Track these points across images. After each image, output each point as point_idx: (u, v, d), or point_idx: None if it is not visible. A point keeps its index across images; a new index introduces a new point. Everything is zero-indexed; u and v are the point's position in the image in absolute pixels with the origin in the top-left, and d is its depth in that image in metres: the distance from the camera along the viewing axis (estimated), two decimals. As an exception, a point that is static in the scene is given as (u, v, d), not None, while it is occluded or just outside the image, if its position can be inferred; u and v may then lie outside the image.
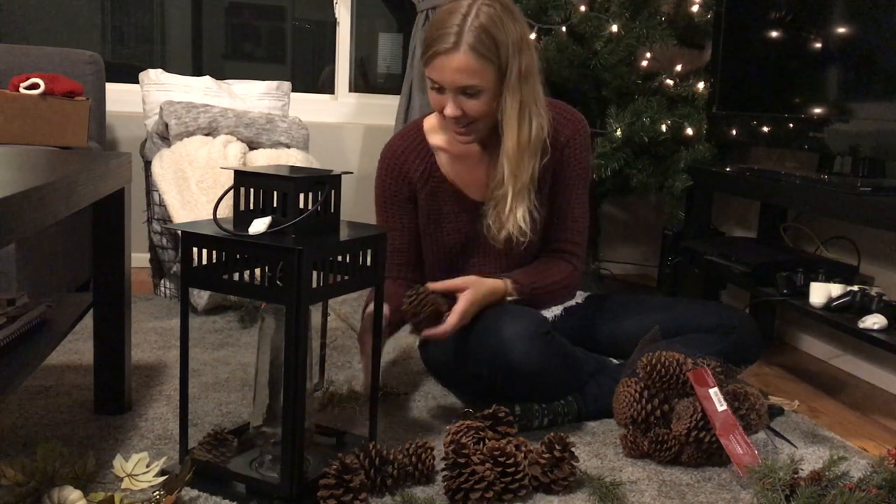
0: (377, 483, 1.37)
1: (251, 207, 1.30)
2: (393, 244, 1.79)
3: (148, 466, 1.35)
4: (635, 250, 3.38)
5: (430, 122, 1.80)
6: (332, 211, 1.33)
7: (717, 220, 2.85)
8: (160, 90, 2.76)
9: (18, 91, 2.34)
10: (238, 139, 2.59)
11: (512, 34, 1.58)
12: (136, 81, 2.86)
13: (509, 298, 1.70)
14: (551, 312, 1.89)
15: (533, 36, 2.61)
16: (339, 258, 1.32)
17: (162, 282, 2.61)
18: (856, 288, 1.99)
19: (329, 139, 3.18)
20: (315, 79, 3.61)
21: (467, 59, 1.54)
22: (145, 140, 2.73)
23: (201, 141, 2.51)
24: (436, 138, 1.78)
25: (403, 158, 1.77)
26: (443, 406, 1.81)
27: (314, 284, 1.26)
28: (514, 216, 1.66)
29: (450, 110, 1.60)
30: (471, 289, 1.63)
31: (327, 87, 3.46)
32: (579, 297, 1.97)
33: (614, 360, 1.86)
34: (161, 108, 2.60)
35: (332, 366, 2.02)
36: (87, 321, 1.70)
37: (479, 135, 1.67)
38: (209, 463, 1.36)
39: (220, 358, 2.05)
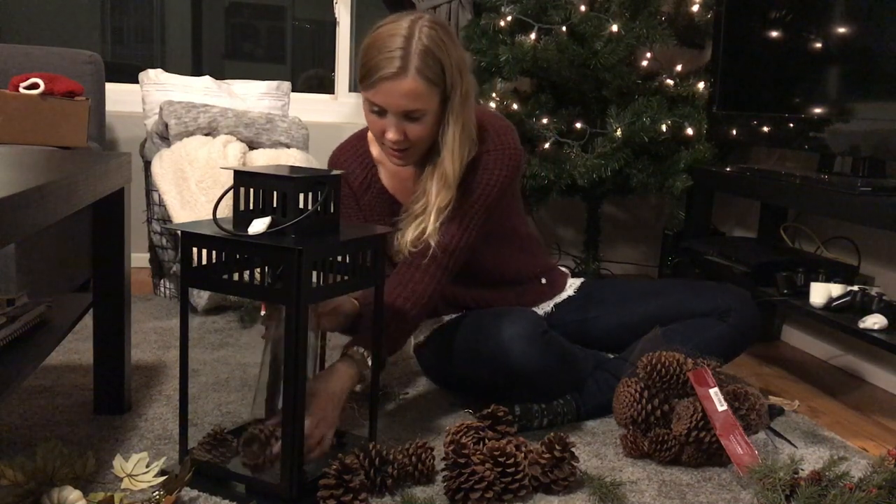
0: (377, 483, 1.37)
1: (251, 207, 1.30)
2: None
3: (148, 466, 1.35)
4: (635, 250, 3.38)
5: None
6: (332, 211, 1.33)
7: (717, 220, 2.85)
8: (160, 90, 2.76)
9: (18, 91, 2.34)
10: (238, 139, 2.59)
11: (454, 57, 1.55)
12: (136, 81, 2.86)
13: (366, 370, 1.51)
14: (542, 309, 1.89)
15: (533, 36, 2.61)
16: (339, 258, 1.32)
17: (162, 282, 2.61)
18: (856, 288, 1.99)
19: (329, 139, 3.16)
20: (296, 81, 3.60)
21: (416, 84, 1.50)
22: (145, 140, 2.73)
23: (201, 141, 2.51)
24: (377, 151, 1.76)
25: (347, 163, 1.76)
26: (443, 406, 1.81)
27: (314, 284, 1.26)
28: (423, 230, 1.60)
29: (392, 135, 1.55)
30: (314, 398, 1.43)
31: (314, 88, 3.45)
32: (572, 287, 1.97)
33: (609, 355, 1.86)
34: (161, 108, 2.60)
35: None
36: (87, 321, 1.70)
37: (415, 158, 1.63)
38: (209, 463, 1.36)
39: (220, 358, 2.05)
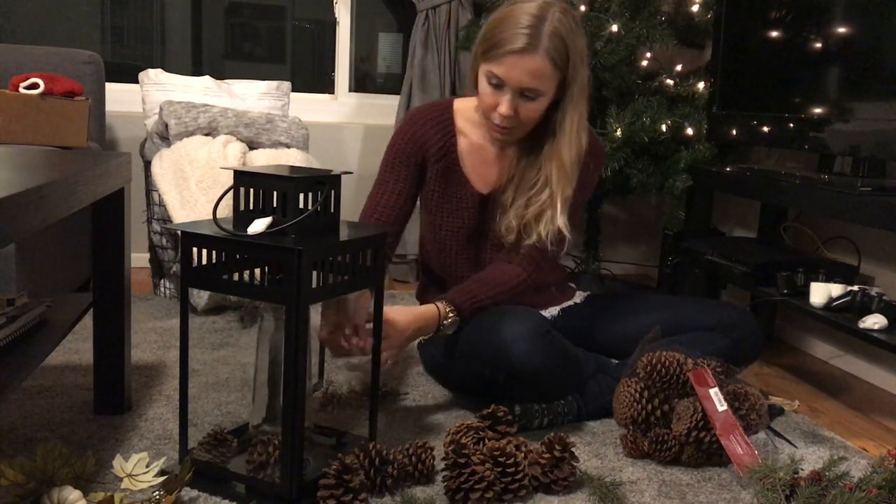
0: (377, 483, 1.37)
1: (251, 207, 1.30)
2: (380, 201, 1.76)
3: (148, 466, 1.35)
4: (635, 250, 3.38)
5: (461, 104, 1.80)
6: (332, 211, 1.33)
7: (717, 220, 2.85)
8: (160, 90, 2.76)
9: (18, 91, 2.34)
10: (238, 139, 2.59)
11: (579, 46, 1.60)
12: (136, 81, 2.86)
13: (447, 321, 1.64)
14: (548, 313, 1.89)
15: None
16: (339, 258, 1.32)
17: (162, 282, 2.61)
18: (856, 288, 1.99)
19: (329, 139, 3.18)
20: (318, 78, 3.61)
21: (542, 63, 1.55)
22: (145, 140, 2.73)
23: (201, 141, 2.51)
24: (462, 121, 1.78)
25: (427, 128, 1.77)
26: (443, 406, 1.81)
27: (314, 284, 1.26)
28: (556, 223, 1.66)
29: (504, 109, 1.59)
30: (392, 315, 1.58)
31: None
32: (579, 297, 1.97)
33: (614, 360, 1.85)
34: (161, 108, 2.60)
35: (331, 366, 2.02)
36: (87, 321, 1.70)
37: (516, 137, 1.68)
38: (209, 463, 1.36)
39: (220, 358, 2.05)
